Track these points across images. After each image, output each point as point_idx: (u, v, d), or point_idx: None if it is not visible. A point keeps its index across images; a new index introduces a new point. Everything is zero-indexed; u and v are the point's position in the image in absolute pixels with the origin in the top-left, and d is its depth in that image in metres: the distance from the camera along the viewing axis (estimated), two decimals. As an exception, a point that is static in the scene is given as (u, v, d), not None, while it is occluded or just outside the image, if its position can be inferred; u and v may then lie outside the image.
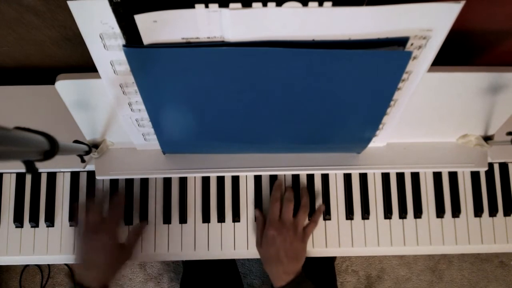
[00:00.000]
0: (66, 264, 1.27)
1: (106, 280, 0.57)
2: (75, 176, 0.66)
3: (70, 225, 0.65)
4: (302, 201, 0.64)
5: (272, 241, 0.59)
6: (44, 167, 0.65)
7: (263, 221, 0.63)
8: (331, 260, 0.91)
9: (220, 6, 0.35)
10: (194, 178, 0.67)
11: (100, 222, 0.60)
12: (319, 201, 0.66)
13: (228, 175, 0.67)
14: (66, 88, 0.50)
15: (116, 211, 0.62)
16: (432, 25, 0.39)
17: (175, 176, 0.66)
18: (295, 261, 0.59)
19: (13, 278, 1.28)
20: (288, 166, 0.64)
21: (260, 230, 0.62)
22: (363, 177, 0.67)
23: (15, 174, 0.66)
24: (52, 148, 0.36)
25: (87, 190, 0.66)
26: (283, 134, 0.54)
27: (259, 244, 0.62)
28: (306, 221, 0.64)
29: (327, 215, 0.66)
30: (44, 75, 0.67)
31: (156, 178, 0.66)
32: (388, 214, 0.66)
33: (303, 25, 0.37)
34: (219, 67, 0.41)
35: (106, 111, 0.54)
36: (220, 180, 0.67)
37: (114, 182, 0.66)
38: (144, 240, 0.65)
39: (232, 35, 0.38)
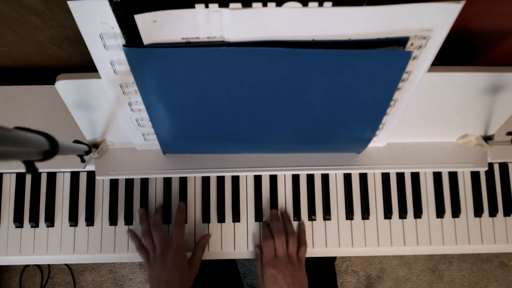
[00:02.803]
0: (66, 264, 1.27)
1: None
2: (75, 176, 0.66)
3: (70, 225, 0.65)
4: (287, 229, 0.63)
5: (273, 280, 0.59)
6: (44, 167, 0.65)
7: (261, 257, 0.63)
8: (331, 260, 0.90)
9: (220, 6, 0.35)
10: (194, 178, 0.67)
11: (166, 242, 0.61)
12: (319, 201, 0.66)
13: (228, 175, 0.67)
14: (66, 88, 0.50)
15: (179, 228, 0.62)
16: (432, 25, 0.39)
17: (175, 176, 0.66)
18: None
19: (13, 278, 1.28)
20: (288, 166, 0.64)
21: (260, 266, 0.62)
22: (363, 177, 0.67)
23: (15, 174, 0.66)
24: (52, 148, 0.36)
25: (87, 190, 0.66)
26: (283, 134, 0.54)
27: (262, 283, 0.61)
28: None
29: (327, 215, 0.66)
30: (44, 75, 0.67)
31: (156, 178, 0.66)
32: (388, 214, 0.66)
33: (303, 25, 0.37)
34: (219, 67, 0.41)
35: (106, 111, 0.54)
36: (220, 180, 0.67)
37: (114, 182, 0.66)
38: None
39: (232, 35, 0.38)
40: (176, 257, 0.59)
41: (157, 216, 0.63)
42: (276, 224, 0.63)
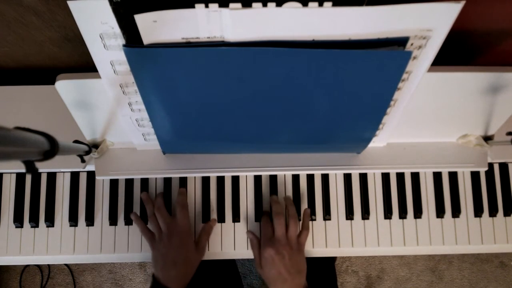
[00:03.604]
0: (66, 264, 1.27)
1: (186, 279, 0.59)
2: (75, 176, 0.66)
3: (70, 225, 0.65)
4: (289, 212, 0.63)
5: (271, 262, 0.58)
6: (44, 167, 0.65)
7: (257, 242, 0.63)
8: (331, 260, 0.90)
9: (220, 6, 0.35)
10: (194, 178, 0.67)
11: (171, 223, 0.61)
12: (319, 201, 0.66)
13: (228, 175, 0.67)
14: (66, 88, 0.50)
15: (183, 209, 0.62)
16: (432, 25, 0.39)
17: (175, 176, 0.66)
18: (298, 275, 0.58)
19: (13, 278, 1.28)
20: (288, 166, 0.63)
21: (257, 251, 0.62)
22: (363, 177, 0.67)
23: (15, 174, 0.66)
24: (52, 148, 0.36)
25: (87, 190, 0.66)
26: (283, 134, 0.54)
27: (259, 265, 0.61)
28: (298, 230, 0.63)
29: (327, 215, 0.66)
30: (44, 75, 0.67)
31: (156, 178, 0.66)
32: (388, 214, 0.66)
33: (303, 25, 0.37)
34: (219, 67, 0.41)
35: (106, 111, 0.54)
36: (220, 180, 0.67)
37: (114, 182, 0.66)
38: (144, 240, 0.65)
39: (232, 35, 0.38)
40: (183, 236, 0.59)
41: (159, 199, 0.64)
42: (276, 207, 0.63)
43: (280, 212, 0.61)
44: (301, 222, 0.64)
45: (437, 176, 0.67)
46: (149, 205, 0.64)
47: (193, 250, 0.60)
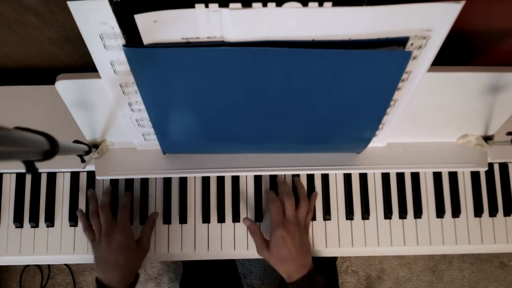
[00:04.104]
0: (66, 264, 1.27)
1: (127, 279, 0.58)
2: (75, 176, 0.66)
3: (70, 225, 0.65)
4: (300, 192, 0.64)
5: (283, 242, 0.58)
6: (44, 167, 0.65)
7: (257, 228, 0.62)
8: (332, 260, 0.90)
9: (220, 6, 0.35)
10: (194, 178, 0.67)
11: (112, 224, 0.60)
12: (319, 201, 0.66)
13: (228, 175, 0.67)
14: (66, 88, 0.50)
15: (125, 210, 0.62)
16: (432, 25, 0.39)
17: (175, 176, 0.66)
18: (307, 254, 0.59)
19: (13, 278, 1.28)
20: (288, 166, 0.63)
21: (258, 236, 0.61)
22: (363, 177, 0.67)
23: (15, 174, 0.66)
24: (52, 148, 0.36)
25: (87, 190, 0.66)
26: (283, 134, 0.54)
27: (264, 249, 0.60)
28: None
29: (327, 215, 0.66)
30: (44, 75, 0.67)
31: (156, 178, 0.66)
32: (388, 214, 0.66)
33: (303, 25, 0.37)
34: (219, 67, 0.41)
35: (106, 111, 0.54)
36: (220, 180, 0.67)
37: (114, 182, 0.66)
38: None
39: (232, 35, 0.38)
40: (122, 238, 0.59)
41: (105, 197, 0.63)
42: (284, 187, 0.63)
43: (290, 192, 0.62)
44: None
45: (437, 176, 0.67)
46: (93, 203, 0.63)
47: (133, 251, 0.60)
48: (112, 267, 0.57)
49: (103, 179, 0.66)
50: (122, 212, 0.61)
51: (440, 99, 0.54)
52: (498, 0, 0.49)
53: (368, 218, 0.66)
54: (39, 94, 0.64)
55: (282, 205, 0.61)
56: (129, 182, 0.66)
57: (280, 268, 0.59)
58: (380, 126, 0.57)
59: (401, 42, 0.40)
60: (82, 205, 0.65)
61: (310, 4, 0.36)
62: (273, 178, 0.67)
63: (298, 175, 0.67)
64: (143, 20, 0.36)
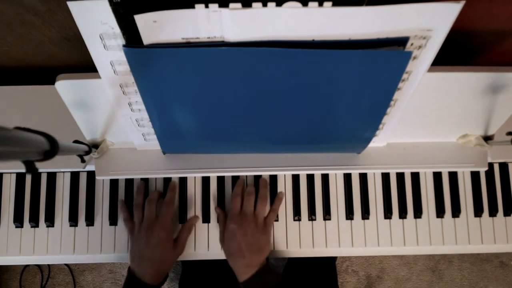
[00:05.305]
0: (66, 264, 1.27)
1: (160, 275, 0.59)
2: (75, 176, 0.66)
3: (70, 225, 0.65)
4: (260, 192, 0.64)
5: (232, 235, 0.59)
6: (44, 167, 0.65)
7: (224, 218, 0.63)
8: (332, 260, 0.90)
9: (220, 6, 0.35)
10: (194, 178, 0.67)
11: (154, 219, 0.61)
12: (319, 201, 0.66)
13: (228, 175, 0.67)
14: (66, 88, 0.50)
15: (168, 207, 0.62)
16: (432, 25, 0.39)
17: (175, 176, 0.66)
18: (258, 254, 0.59)
19: (13, 278, 1.28)
20: (288, 166, 0.63)
21: (222, 225, 0.63)
22: (363, 177, 0.67)
23: (15, 174, 0.66)
24: (52, 148, 0.36)
25: (87, 190, 0.66)
26: (283, 133, 0.54)
27: (222, 240, 0.62)
28: (266, 212, 0.64)
29: (327, 215, 0.66)
30: (44, 75, 0.67)
31: (156, 178, 0.66)
32: (388, 214, 0.66)
33: (303, 25, 0.37)
34: (219, 67, 0.41)
35: (106, 111, 0.54)
36: (220, 180, 0.67)
37: (114, 182, 0.66)
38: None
39: (232, 35, 0.38)
40: (162, 235, 0.59)
41: (156, 193, 0.64)
42: (249, 188, 0.64)
43: (251, 193, 0.63)
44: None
45: (437, 176, 0.67)
46: (140, 195, 0.64)
47: (170, 249, 0.60)
48: (147, 262, 0.58)
49: (103, 179, 0.66)
50: (166, 209, 0.62)
51: (440, 99, 0.54)
52: (498, 0, 0.49)
53: (368, 218, 0.66)
54: (39, 94, 0.64)
55: (241, 201, 0.63)
56: (129, 182, 0.66)
57: (231, 264, 0.60)
58: (380, 126, 0.57)
59: (401, 42, 0.40)
60: (82, 205, 0.65)
61: (310, 4, 0.36)
62: (273, 178, 0.67)
63: (298, 175, 0.67)
64: (143, 20, 0.36)
